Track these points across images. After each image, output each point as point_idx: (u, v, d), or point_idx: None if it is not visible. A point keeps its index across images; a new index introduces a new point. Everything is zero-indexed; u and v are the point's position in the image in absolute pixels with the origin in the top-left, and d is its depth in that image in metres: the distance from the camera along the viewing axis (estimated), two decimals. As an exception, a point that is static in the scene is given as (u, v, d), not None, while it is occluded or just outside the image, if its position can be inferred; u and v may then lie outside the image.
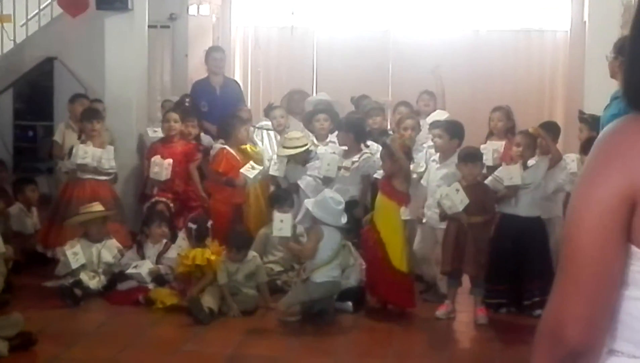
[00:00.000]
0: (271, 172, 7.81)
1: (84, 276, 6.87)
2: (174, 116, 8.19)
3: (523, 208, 6.58)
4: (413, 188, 6.89)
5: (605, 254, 1.58)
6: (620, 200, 1.56)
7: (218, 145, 8.07)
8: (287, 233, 6.40)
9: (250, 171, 7.61)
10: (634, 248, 1.58)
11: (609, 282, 1.59)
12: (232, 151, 7.90)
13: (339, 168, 7.39)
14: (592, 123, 6.58)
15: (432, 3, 11.38)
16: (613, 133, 1.64)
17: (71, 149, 7.85)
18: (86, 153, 7.68)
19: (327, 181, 7.33)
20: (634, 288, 1.61)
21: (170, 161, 7.93)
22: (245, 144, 7.99)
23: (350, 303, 6.63)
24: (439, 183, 6.75)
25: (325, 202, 6.39)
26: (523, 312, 6.51)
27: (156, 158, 7.97)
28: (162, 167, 7.90)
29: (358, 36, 11.42)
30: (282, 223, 6.36)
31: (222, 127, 8.13)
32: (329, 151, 7.69)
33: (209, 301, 6.39)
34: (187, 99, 8.80)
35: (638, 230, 1.57)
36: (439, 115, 7.95)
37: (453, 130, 7.01)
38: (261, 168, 7.74)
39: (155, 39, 10.30)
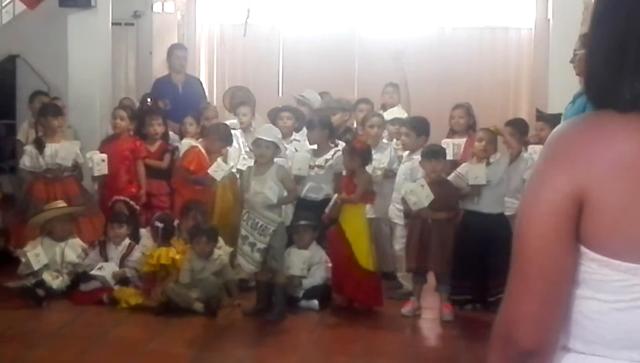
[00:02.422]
0: (239, 166, 7.64)
1: (46, 276, 6.80)
2: (121, 113, 8.07)
3: (486, 204, 6.60)
4: (377, 185, 6.91)
5: (555, 254, 1.58)
6: (568, 201, 1.56)
7: (188, 142, 7.99)
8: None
9: (217, 172, 7.48)
10: (583, 248, 1.58)
11: (559, 282, 1.60)
12: (203, 150, 7.82)
13: (311, 167, 7.32)
14: (552, 121, 6.75)
15: (397, 1, 11.39)
16: (563, 133, 1.63)
17: (32, 146, 7.73)
18: (53, 152, 7.58)
19: (298, 180, 7.26)
20: (584, 287, 1.61)
21: (104, 156, 7.75)
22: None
23: (316, 302, 6.63)
24: (403, 177, 6.85)
25: (270, 129, 6.62)
26: (488, 309, 6.52)
27: (91, 153, 7.82)
28: (94, 162, 7.74)
29: (324, 34, 11.40)
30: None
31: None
32: (292, 148, 7.65)
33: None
34: (149, 99, 8.69)
35: (586, 231, 1.57)
36: (398, 112, 7.94)
37: (420, 128, 7.05)
38: (229, 166, 7.60)
39: (120, 36, 10.22)
